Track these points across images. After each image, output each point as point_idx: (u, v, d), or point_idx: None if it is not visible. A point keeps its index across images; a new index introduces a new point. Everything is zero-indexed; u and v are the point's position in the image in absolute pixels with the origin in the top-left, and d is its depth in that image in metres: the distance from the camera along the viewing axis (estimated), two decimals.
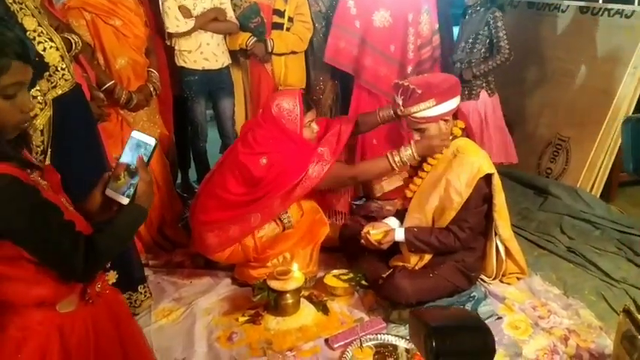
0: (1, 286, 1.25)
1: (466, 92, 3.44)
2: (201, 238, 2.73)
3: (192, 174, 4.15)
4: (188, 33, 3.29)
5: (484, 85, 3.49)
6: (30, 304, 1.29)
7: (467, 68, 3.44)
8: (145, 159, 1.35)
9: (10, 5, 1.97)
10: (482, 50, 3.43)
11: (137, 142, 1.37)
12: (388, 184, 3.58)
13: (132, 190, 1.33)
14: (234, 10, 3.45)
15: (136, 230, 1.39)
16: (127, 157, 1.36)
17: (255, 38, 3.45)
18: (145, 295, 2.62)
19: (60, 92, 2.12)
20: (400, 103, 2.45)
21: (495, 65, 3.38)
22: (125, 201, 1.34)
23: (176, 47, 3.37)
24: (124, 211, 1.34)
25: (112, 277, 2.39)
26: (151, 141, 1.36)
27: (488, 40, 3.41)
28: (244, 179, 2.64)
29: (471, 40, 3.44)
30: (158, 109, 3.27)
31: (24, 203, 1.18)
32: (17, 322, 1.29)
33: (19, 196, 1.17)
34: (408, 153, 2.51)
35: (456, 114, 2.53)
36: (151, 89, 3.03)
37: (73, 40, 2.32)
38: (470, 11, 3.49)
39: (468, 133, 2.58)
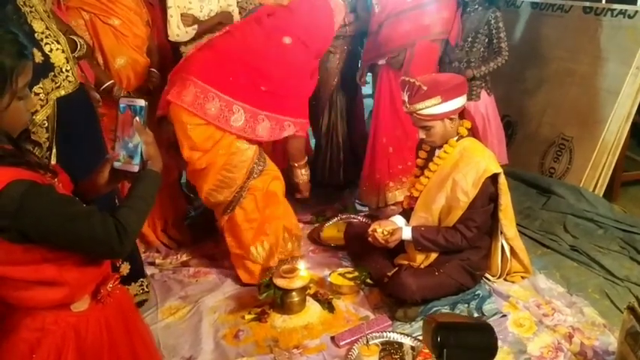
0: (20, 292, 1.26)
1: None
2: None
3: None
4: (189, 41, 3.31)
5: (483, 84, 3.48)
6: (47, 306, 1.30)
7: (466, 68, 3.39)
8: (141, 121, 1.33)
9: (21, 7, 2.03)
10: (482, 49, 3.42)
11: (127, 109, 1.34)
12: (401, 194, 3.55)
13: (137, 157, 1.32)
14: (240, 13, 3.46)
15: (156, 193, 1.37)
16: (123, 126, 1.34)
17: None
18: (148, 280, 2.75)
19: (63, 93, 2.16)
20: (406, 99, 2.46)
21: (496, 67, 3.37)
22: (135, 168, 1.33)
23: (182, 50, 3.38)
24: (138, 180, 1.33)
25: (125, 268, 2.49)
26: (141, 102, 1.34)
27: (487, 40, 3.40)
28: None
29: (470, 39, 3.39)
30: None
31: (45, 203, 1.19)
32: (29, 324, 1.29)
33: (39, 198, 1.18)
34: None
35: (462, 113, 2.55)
36: (151, 89, 2.99)
37: (78, 42, 2.36)
38: (468, 9, 3.42)
39: (474, 132, 2.59)
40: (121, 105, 1.35)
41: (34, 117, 2.09)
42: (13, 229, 1.16)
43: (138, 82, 2.99)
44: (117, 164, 1.35)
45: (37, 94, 2.07)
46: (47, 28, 2.11)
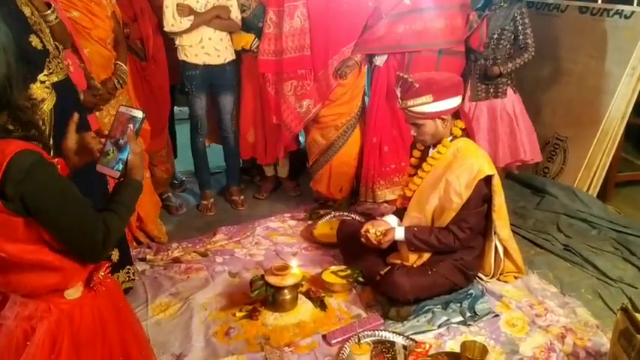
0: (18, 276, 1.25)
1: (492, 90, 3.38)
2: None
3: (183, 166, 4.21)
4: (184, 32, 3.28)
5: (509, 82, 3.41)
6: (41, 293, 1.29)
7: (492, 65, 3.35)
8: (134, 130, 1.36)
9: None
10: (508, 47, 3.37)
11: (125, 117, 1.38)
12: (392, 193, 3.54)
13: (121, 164, 1.35)
14: (243, 12, 3.43)
15: (136, 202, 1.40)
16: (115, 131, 1.37)
17: (258, 41, 3.44)
18: (135, 267, 2.78)
19: (55, 79, 2.14)
20: (399, 95, 2.46)
21: (523, 63, 3.31)
22: (116, 175, 1.36)
23: (177, 42, 3.35)
24: (122, 186, 1.36)
25: (115, 255, 2.48)
26: (139, 114, 1.38)
27: (513, 37, 3.35)
28: None
29: (496, 36, 3.34)
30: (135, 102, 3.14)
31: (52, 179, 1.20)
32: (21, 312, 1.29)
33: (46, 172, 1.19)
34: None
35: (457, 113, 2.53)
36: (115, 82, 2.85)
37: (59, 46, 2.33)
38: (494, 6, 3.37)
39: (468, 133, 2.57)
40: (120, 111, 1.39)
41: (42, 105, 2.06)
42: (17, 197, 1.16)
43: (102, 74, 2.84)
44: (99, 167, 1.38)
45: (42, 82, 2.05)
46: (32, 14, 2.08)
